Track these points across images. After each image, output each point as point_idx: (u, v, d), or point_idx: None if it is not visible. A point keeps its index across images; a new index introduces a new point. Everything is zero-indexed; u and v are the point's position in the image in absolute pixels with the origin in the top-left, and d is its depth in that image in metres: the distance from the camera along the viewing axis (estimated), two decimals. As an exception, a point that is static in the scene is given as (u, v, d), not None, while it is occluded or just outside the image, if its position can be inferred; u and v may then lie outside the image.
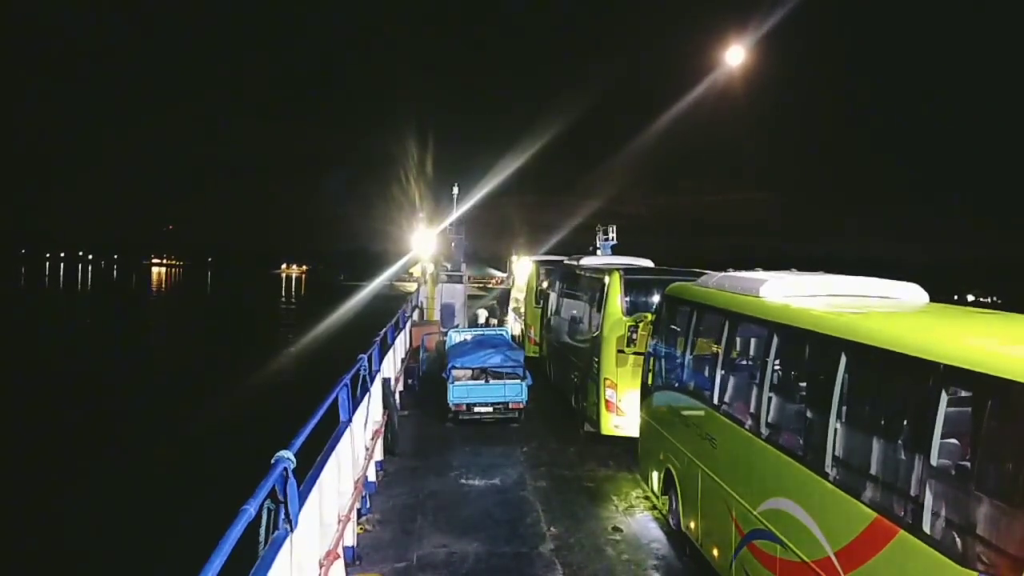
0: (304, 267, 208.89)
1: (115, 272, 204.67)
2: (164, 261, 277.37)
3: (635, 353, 11.96)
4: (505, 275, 36.60)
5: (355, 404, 9.00)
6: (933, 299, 7.26)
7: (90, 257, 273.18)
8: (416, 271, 29.38)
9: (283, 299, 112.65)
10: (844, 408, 5.66)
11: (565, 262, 19.85)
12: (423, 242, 30.02)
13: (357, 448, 9.11)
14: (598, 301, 13.83)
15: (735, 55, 17.37)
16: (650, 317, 11.52)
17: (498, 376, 14.85)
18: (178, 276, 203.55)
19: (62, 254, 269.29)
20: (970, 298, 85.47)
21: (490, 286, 58.47)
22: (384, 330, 14.84)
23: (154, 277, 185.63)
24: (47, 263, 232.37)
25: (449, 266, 29.71)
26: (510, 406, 14.76)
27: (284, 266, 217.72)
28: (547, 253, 24.48)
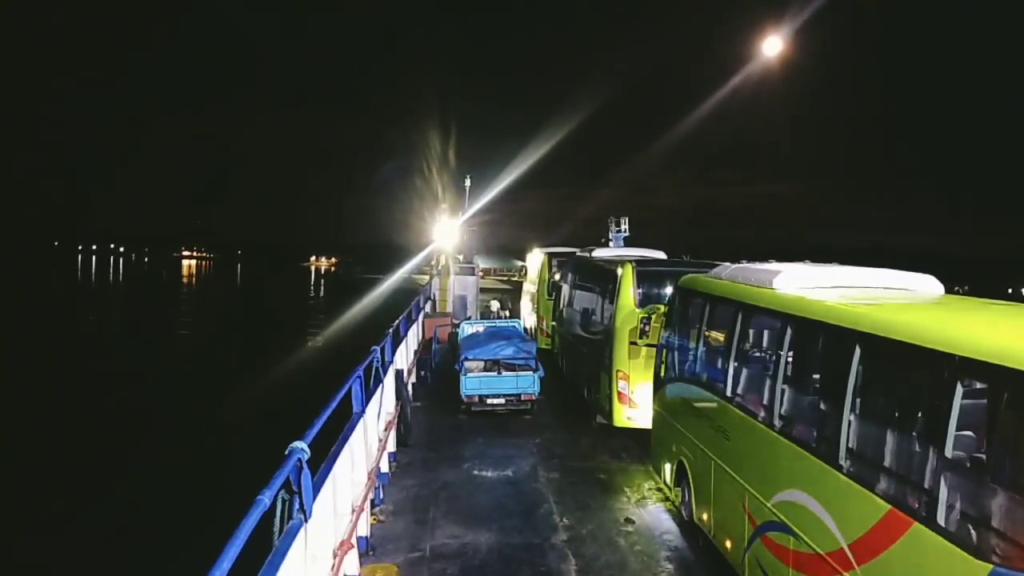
0: (333, 259, 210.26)
1: (146, 265, 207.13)
2: (194, 254, 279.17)
3: (647, 345, 11.94)
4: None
5: (368, 396, 9.05)
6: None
7: (121, 249, 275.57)
8: (441, 261, 29.39)
9: (309, 295, 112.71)
10: (858, 400, 5.63)
11: (577, 254, 19.81)
12: (445, 234, 30.06)
13: (370, 439, 9.16)
14: (611, 293, 13.80)
15: (771, 46, 17.01)
16: (663, 309, 11.50)
17: (510, 368, 14.88)
18: (208, 269, 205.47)
19: (94, 247, 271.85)
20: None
21: (515, 278, 58.32)
22: (397, 322, 14.89)
23: (184, 270, 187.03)
24: (79, 255, 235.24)
25: (462, 258, 29.73)
26: (522, 398, 14.79)
27: (313, 259, 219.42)
28: (570, 245, 24.28)
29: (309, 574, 5.22)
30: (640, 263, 14.04)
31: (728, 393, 8.04)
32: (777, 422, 6.86)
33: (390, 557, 8.31)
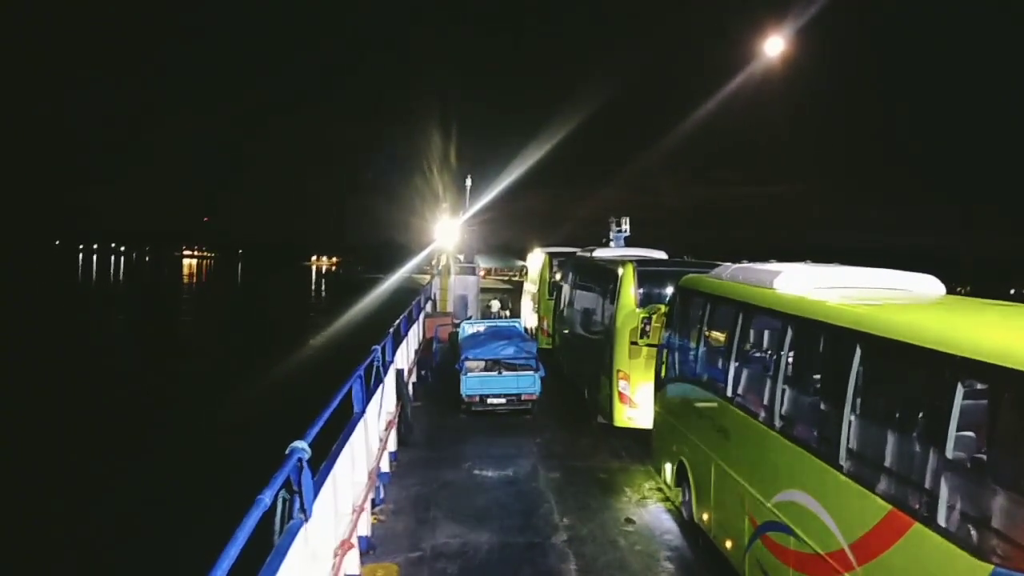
0: (334, 259, 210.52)
1: (148, 264, 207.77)
2: (195, 253, 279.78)
3: (648, 345, 11.94)
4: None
5: (369, 395, 9.06)
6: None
7: (123, 249, 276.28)
8: (442, 261, 29.50)
9: (310, 294, 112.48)
10: (859, 400, 5.63)
11: (578, 254, 19.81)
12: (446, 233, 30.13)
13: (371, 439, 9.17)
14: (611, 293, 13.80)
15: (773, 46, 17.11)
16: (663, 309, 11.50)
17: (511, 368, 14.87)
18: (210, 267, 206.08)
19: (95, 246, 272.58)
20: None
21: (516, 278, 58.50)
22: (397, 321, 14.89)
23: (185, 269, 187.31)
24: (80, 254, 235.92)
25: (463, 257, 29.76)
26: (523, 398, 14.78)
27: (314, 258, 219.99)
28: (571, 245, 24.38)
29: (309, 574, 5.23)
30: (641, 263, 14.04)
31: (729, 393, 8.03)
32: (778, 422, 6.86)
33: (391, 556, 8.31)
